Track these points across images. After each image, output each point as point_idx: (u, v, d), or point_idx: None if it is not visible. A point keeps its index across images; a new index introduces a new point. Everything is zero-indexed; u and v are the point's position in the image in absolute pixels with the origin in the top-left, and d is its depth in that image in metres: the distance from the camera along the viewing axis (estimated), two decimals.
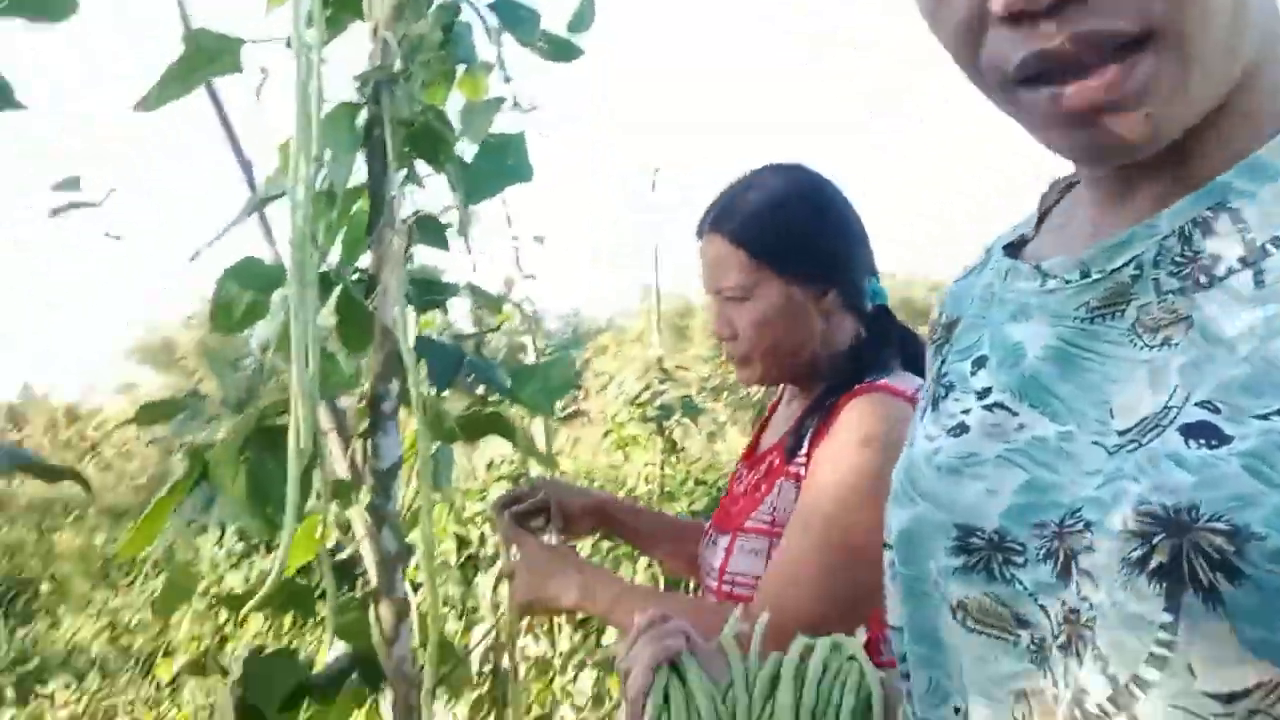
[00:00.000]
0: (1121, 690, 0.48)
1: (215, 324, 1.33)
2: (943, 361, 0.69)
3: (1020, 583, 0.54)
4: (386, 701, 1.45)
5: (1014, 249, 0.68)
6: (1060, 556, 0.52)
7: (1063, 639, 0.52)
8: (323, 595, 1.34)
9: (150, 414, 1.24)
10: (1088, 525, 0.50)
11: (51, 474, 0.62)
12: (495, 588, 3.14)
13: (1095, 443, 0.53)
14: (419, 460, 1.29)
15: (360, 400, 1.40)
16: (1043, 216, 0.69)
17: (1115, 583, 0.48)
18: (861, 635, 0.80)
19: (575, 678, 3.92)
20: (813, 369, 1.31)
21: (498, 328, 1.63)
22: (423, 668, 1.38)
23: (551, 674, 3.67)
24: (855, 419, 1.19)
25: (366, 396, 1.38)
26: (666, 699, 0.76)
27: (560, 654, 3.77)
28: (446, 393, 1.59)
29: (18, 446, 0.60)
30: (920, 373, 1.07)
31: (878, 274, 1.36)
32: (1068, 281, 0.59)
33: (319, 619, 1.42)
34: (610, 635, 4.18)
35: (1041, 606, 0.53)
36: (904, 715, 0.68)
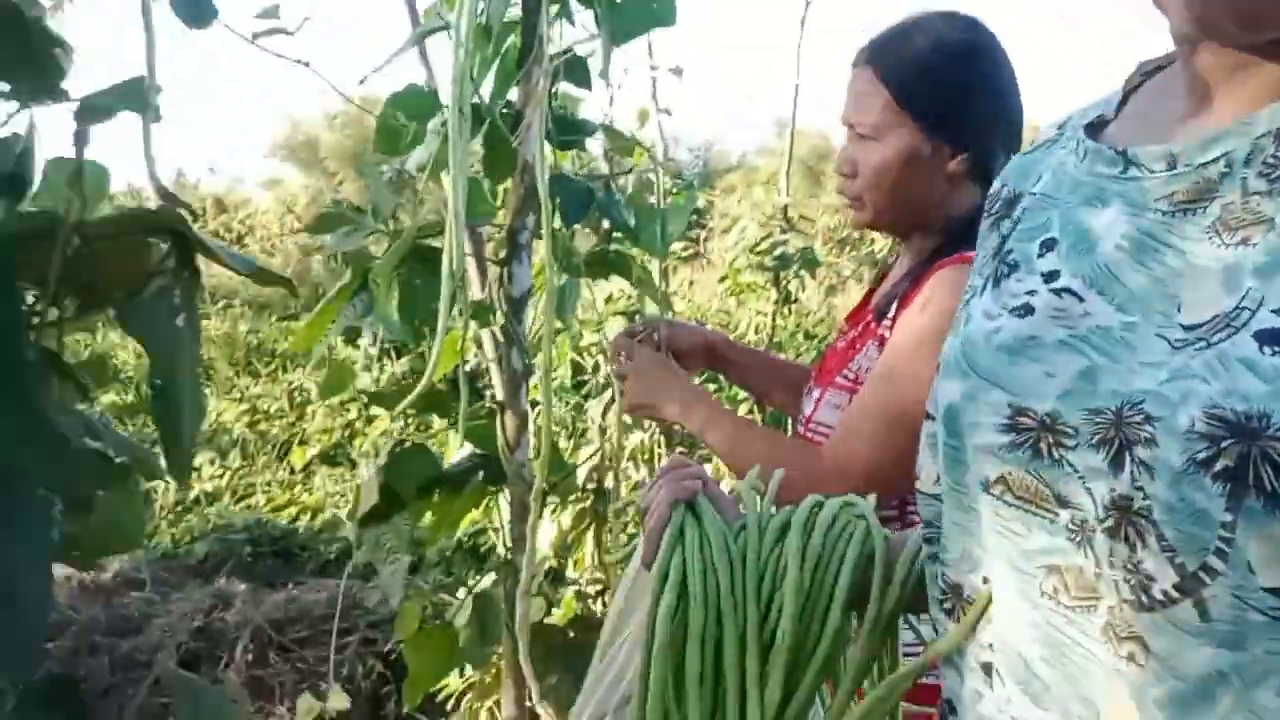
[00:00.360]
0: (1190, 578, 0.50)
1: (378, 145, 1.44)
2: (1004, 239, 0.68)
3: (1069, 464, 0.55)
4: (504, 499, 1.63)
5: (1093, 130, 0.66)
6: (1114, 445, 0.53)
7: (1110, 523, 0.53)
8: (457, 402, 1.49)
9: (324, 224, 1.37)
10: (1149, 419, 0.51)
11: (268, 279, 0.73)
12: (604, 414, 3.34)
13: (1158, 335, 0.54)
14: (545, 290, 1.39)
15: (500, 230, 1.52)
16: (1124, 100, 0.67)
17: (1180, 479, 0.49)
18: (872, 499, 0.83)
19: (550, 456, 4.16)
20: (923, 229, 1.31)
21: (629, 171, 1.69)
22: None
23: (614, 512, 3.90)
24: (937, 287, 1.21)
25: (505, 227, 1.49)
26: (681, 535, 0.77)
27: (644, 479, 4.00)
28: (575, 228, 1.69)
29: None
30: None
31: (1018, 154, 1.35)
32: (1153, 171, 0.58)
33: (452, 422, 1.58)
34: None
35: (1088, 490, 0.54)
36: (929, 576, 0.70)
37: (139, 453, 0.78)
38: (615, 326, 3.21)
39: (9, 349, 0.59)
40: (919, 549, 0.75)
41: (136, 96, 0.80)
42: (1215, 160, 0.55)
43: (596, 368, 3.60)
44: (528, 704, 1.53)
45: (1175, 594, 0.50)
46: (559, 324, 1.58)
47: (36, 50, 0.74)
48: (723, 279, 4.63)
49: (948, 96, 1.26)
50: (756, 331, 4.41)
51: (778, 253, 4.29)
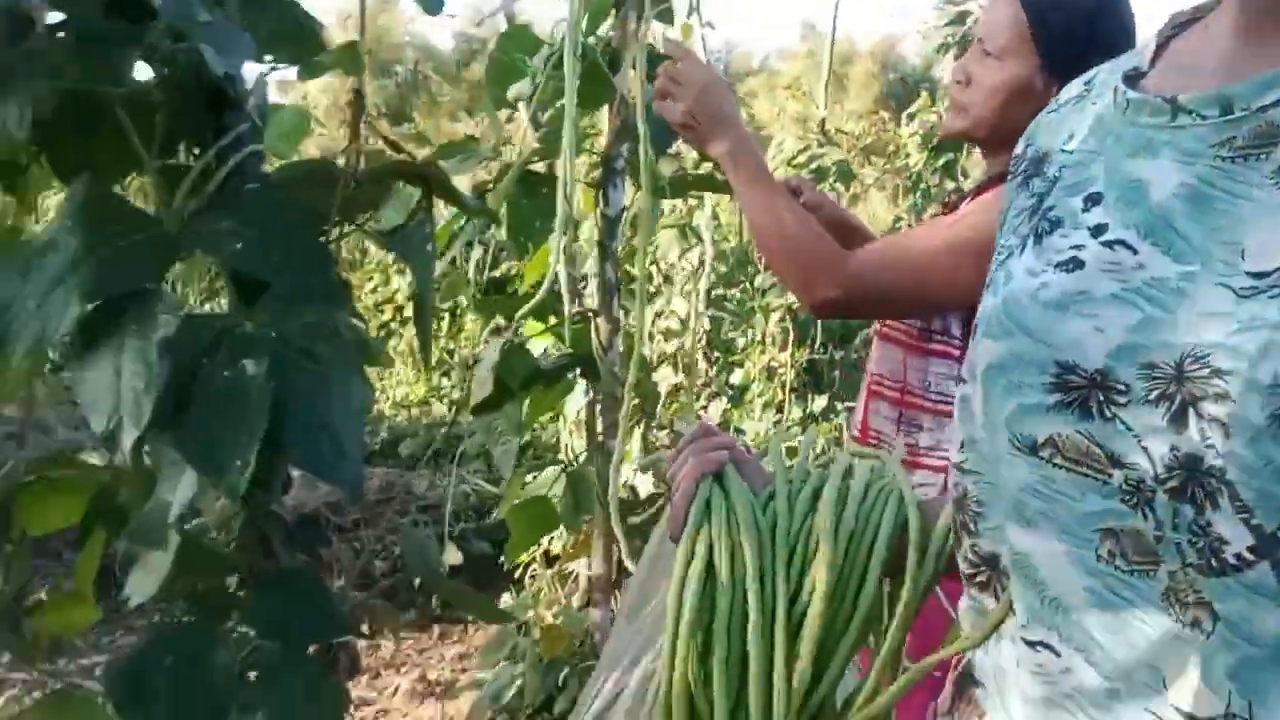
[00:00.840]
0: (1268, 539, 0.48)
1: (491, 77, 1.64)
2: (1040, 197, 0.66)
3: (1122, 423, 0.53)
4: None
5: (1131, 82, 0.63)
6: (1175, 401, 0.50)
7: (1173, 484, 0.51)
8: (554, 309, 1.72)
9: (446, 152, 1.58)
10: (1218, 373, 0.49)
11: (490, 215, 0.95)
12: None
13: (1221, 284, 0.51)
14: (639, 209, 1.60)
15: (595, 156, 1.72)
16: (1159, 51, 0.65)
17: (1261, 436, 0.47)
18: (901, 450, 0.86)
19: (706, 406, 4.44)
20: (1008, 152, 1.43)
21: None
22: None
23: (686, 399, 4.17)
24: (978, 203, 1.36)
25: (602, 154, 1.70)
26: (708, 509, 0.75)
27: (696, 385, 4.27)
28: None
29: None
30: None
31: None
32: (1204, 117, 0.55)
33: (549, 326, 1.82)
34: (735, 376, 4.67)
35: (1144, 449, 0.52)
36: (959, 550, 0.69)
37: (374, 344, 1.02)
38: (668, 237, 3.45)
39: (324, 263, 0.83)
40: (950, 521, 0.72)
41: (355, 60, 1.01)
42: (1275, 103, 0.53)
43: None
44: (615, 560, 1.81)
45: (1250, 556, 0.48)
46: (653, 240, 1.78)
47: (301, 27, 0.95)
48: None
49: (1077, 43, 1.31)
50: None
51: (814, 165, 4.46)
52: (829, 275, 1.31)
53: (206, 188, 0.80)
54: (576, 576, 2.43)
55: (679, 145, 1.85)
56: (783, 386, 4.56)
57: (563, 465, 1.88)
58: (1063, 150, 0.66)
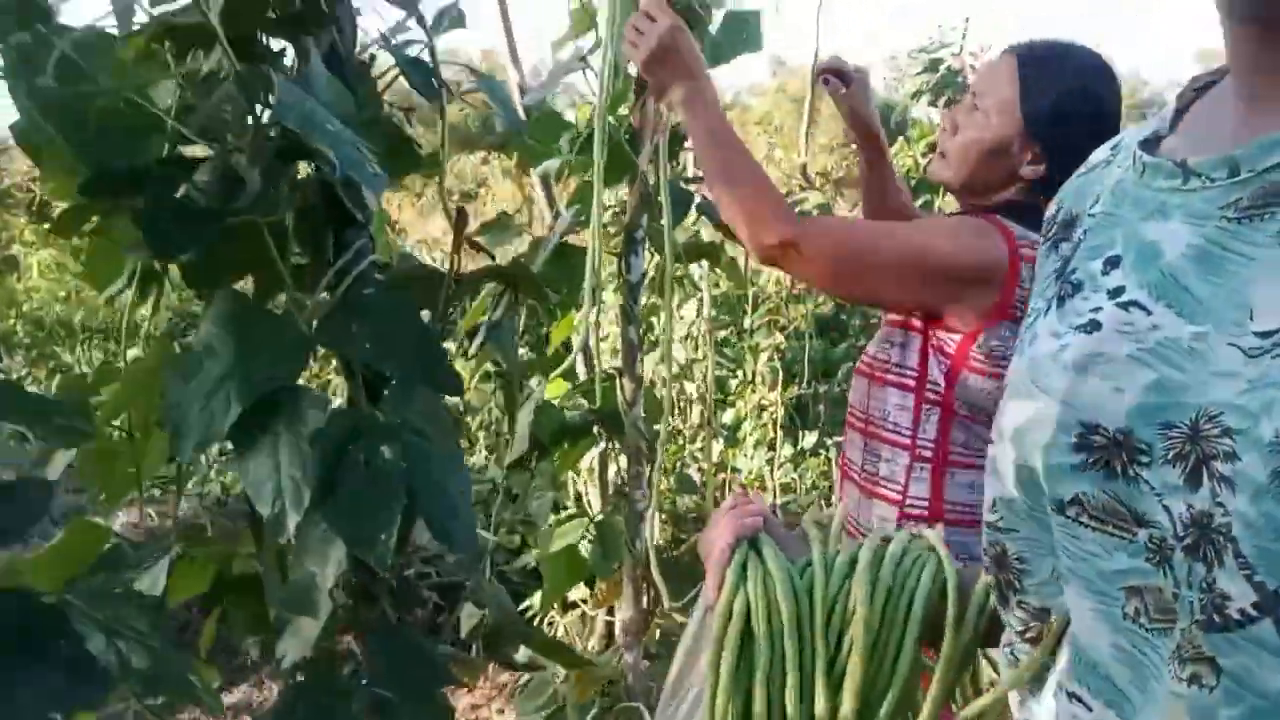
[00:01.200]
0: (1269, 596, 0.48)
1: (525, 156, 1.78)
2: (1066, 260, 0.67)
3: (1145, 482, 0.54)
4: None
5: (1150, 146, 0.65)
6: (1191, 460, 0.51)
7: (1189, 541, 0.51)
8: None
9: (485, 229, 1.71)
10: (1228, 432, 0.50)
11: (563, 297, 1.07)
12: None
13: (1231, 344, 0.52)
14: (662, 275, 1.73)
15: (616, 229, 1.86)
16: (1178, 115, 0.66)
17: (1263, 494, 0.48)
18: (940, 529, 0.83)
19: (701, 446, 4.57)
20: (976, 203, 1.48)
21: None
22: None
23: (683, 442, 4.30)
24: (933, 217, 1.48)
25: (624, 226, 1.83)
26: (744, 572, 0.76)
27: (690, 426, 4.40)
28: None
29: None
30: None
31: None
32: (1213, 180, 0.57)
33: (577, 386, 1.94)
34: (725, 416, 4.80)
35: (1165, 507, 0.53)
36: (1013, 605, 0.68)
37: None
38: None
39: (437, 356, 0.95)
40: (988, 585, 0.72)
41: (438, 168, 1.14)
42: (1278, 165, 0.54)
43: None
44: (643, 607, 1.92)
45: (1254, 613, 0.49)
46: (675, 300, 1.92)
47: (404, 144, 1.07)
48: None
49: (1060, 119, 1.41)
50: (777, 284, 4.76)
51: (797, 210, 4.61)
52: (774, 221, 1.37)
53: (334, 293, 0.92)
54: (593, 621, 2.53)
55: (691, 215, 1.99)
56: (773, 424, 4.69)
57: (584, 516, 1.99)
58: (1089, 214, 0.68)
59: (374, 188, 0.82)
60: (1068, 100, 1.40)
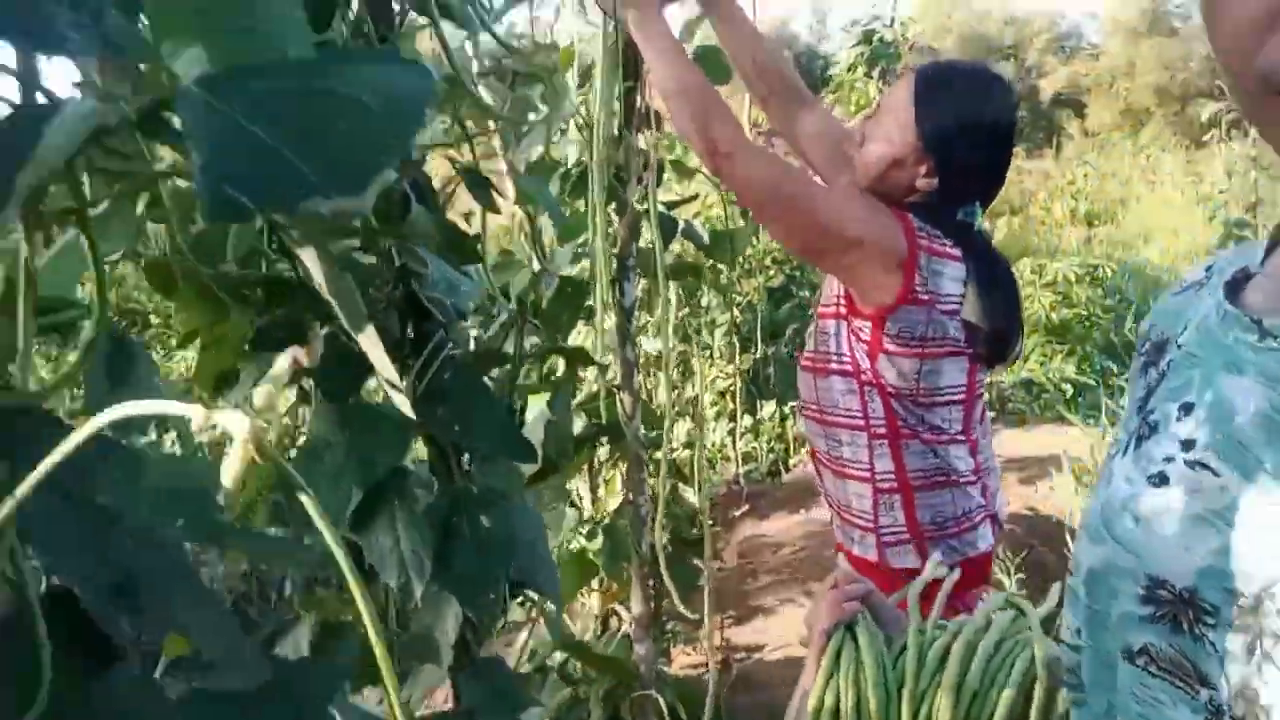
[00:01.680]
0: None
1: (524, 198, 1.91)
2: (1150, 391, 0.67)
3: (1211, 644, 0.53)
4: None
5: (1235, 289, 0.64)
6: (1251, 632, 0.51)
7: (1238, 712, 0.51)
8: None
9: (503, 270, 1.84)
10: None
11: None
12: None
13: None
14: (658, 299, 1.88)
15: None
16: (1269, 251, 0.65)
17: None
18: (1045, 607, 0.83)
19: (672, 426, 4.75)
20: (886, 199, 1.59)
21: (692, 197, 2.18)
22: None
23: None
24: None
25: (617, 254, 1.97)
26: (838, 658, 0.78)
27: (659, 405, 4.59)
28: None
29: None
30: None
31: (983, 209, 1.63)
32: None
33: (581, 401, 2.09)
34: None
35: (1225, 674, 0.52)
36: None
37: None
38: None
39: (512, 428, 1.09)
40: None
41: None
42: None
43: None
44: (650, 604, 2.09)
45: None
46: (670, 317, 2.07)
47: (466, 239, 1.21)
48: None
49: (956, 144, 1.54)
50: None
51: None
52: (720, 126, 1.49)
53: (418, 380, 1.06)
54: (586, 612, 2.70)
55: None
56: (732, 396, 4.88)
57: (587, 519, 2.16)
58: (1177, 344, 0.67)
59: (460, 302, 0.96)
60: (958, 121, 1.53)
